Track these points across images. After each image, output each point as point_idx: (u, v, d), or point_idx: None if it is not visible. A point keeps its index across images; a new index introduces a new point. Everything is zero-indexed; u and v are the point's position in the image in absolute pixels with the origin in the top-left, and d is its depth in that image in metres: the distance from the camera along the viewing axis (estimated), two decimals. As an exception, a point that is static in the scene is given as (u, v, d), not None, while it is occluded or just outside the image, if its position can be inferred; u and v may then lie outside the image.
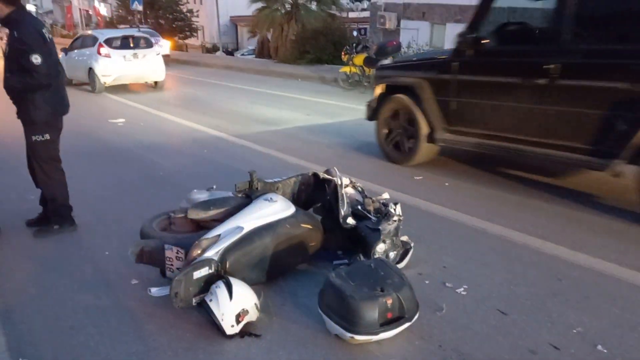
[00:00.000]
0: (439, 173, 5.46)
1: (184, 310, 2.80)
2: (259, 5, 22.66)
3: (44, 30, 3.77)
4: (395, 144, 5.88)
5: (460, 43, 5.05)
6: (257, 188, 3.53)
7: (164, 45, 21.17)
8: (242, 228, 3.01)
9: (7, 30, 3.83)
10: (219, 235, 2.97)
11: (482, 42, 4.86)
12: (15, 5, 3.69)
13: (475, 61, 4.97)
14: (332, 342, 2.60)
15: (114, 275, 3.37)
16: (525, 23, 5.43)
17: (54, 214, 4.07)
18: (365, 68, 11.88)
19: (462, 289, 3.10)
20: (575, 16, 4.20)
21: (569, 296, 3.01)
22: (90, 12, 45.91)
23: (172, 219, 3.45)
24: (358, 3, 27.57)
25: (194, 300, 2.74)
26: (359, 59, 11.98)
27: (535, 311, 2.86)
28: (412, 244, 3.45)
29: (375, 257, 3.14)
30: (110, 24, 35.19)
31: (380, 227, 3.26)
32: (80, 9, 41.80)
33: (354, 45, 13.11)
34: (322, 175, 3.73)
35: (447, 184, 5.13)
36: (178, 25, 34.35)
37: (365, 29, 20.26)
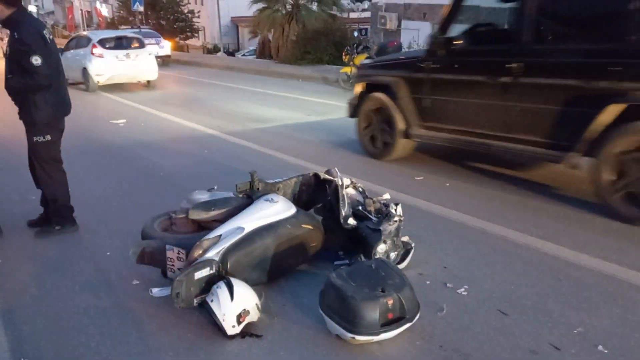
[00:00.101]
0: (439, 173, 5.47)
1: (185, 310, 2.81)
2: (260, 5, 22.66)
3: (44, 31, 3.78)
4: (374, 139, 6.15)
5: (432, 43, 5.34)
6: (258, 189, 3.54)
7: (165, 46, 21.22)
8: (243, 228, 3.01)
9: (7, 31, 3.84)
10: (220, 235, 2.97)
11: (452, 42, 5.14)
12: (16, 6, 3.70)
13: (446, 61, 5.23)
14: (333, 343, 2.60)
15: (115, 275, 3.38)
16: (492, 24, 5.84)
17: (55, 214, 4.08)
18: (366, 68, 11.86)
19: (462, 289, 3.10)
20: (534, 17, 4.47)
21: (570, 296, 3.01)
22: (92, 13, 45.99)
23: (173, 219, 3.46)
24: (359, 3, 27.56)
25: (195, 301, 2.75)
26: (360, 60, 11.99)
27: (536, 311, 2.86)
28: (412, 245, 3.45)
29: (376, 257, 3.14)
30: (112, 24, 35.24)
31: (381, 228, 3.26)
32: (81, 10, 41.87)
33: (355, 45, 13.12)
34: (322, 175, 3.73)
35: (447, 184, 5.14)
36: (179, 26, 34.38)
37: (366, 29, 20.27)
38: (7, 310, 3.00)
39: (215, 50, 33.17)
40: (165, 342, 2.65)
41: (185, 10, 35.06)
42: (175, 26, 33.73)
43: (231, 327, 2.61)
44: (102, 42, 13.08)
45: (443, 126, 5.35)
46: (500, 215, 4.24)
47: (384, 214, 3.42)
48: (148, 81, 13.74)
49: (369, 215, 3.51)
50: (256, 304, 2.73)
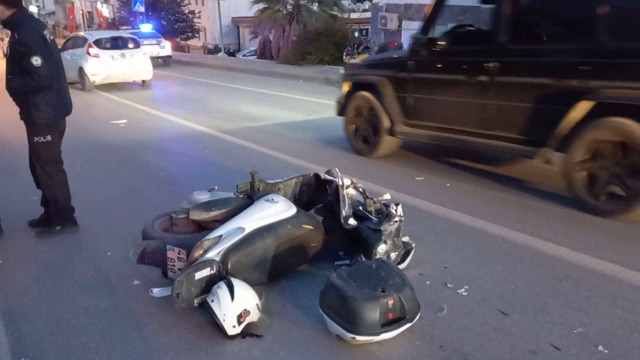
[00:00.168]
0: (440, 174, 5.47)
1: (186, 310, 2.81)
2: (261, 6, 22.69)
3: (45, 32, 3.78)
4: (361, 137, 6.34)
5: (414, 44, 5.58)
6: (258, 189, 3.54)
7: (166, 47, 21.26)
8: (243, 229, 3.01)
9: (9, 32, 3.85)
10: (221, 236, 2.98)
11: (434, 43, 5.37)
12: (16, 7, 3.71)
13: (428, 60, 5.45)
14: (334, 343, 2.60)
15: (115, 276, 3.38)
16: (472, 25, 6.11)
17: (56, 215, 4.08)
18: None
19: (463, 290, 3.10)
20: (509, 19, 4.69)
21: (570, 297, 3.01)
22: (93, 14, 46.01)
23: (174, 219, 3.46)
24: (359, 4, 27.58)
25: (195, 301, 2.75)
26: (361, 60, 11.99)
27: (536, 312, 2.86)
28: (413, 245, 3.45)
29: (376, 257, 3.14)
30: (112, 25, 35.27)
31: (381, 228, 3.26)
32: (82, 11, 41.87)
33: (356, 46, 13.16)
34: (323, 176, 3.74)
35: (448, 184, 5.14)
36: (180, 26, 34.41)
37: (366, 29, 20.25)
38: (8, 310, 3.00)
39: (216, 50, 33.18)
40: (165, 342, 2.65)
41: (186, 11, 35.10)
42: (176, 27, 33.77)
43: (232, 327, 2.61)
44: (98, 43, 13.43)
45: (425, 124, 5.56)
46: (501, 216, 4.24)
47: (384, 214, 3.42)
48: (143, 80, 14.05)
49: (370, 216, 3.51)
50: (257, 304, 2.73)
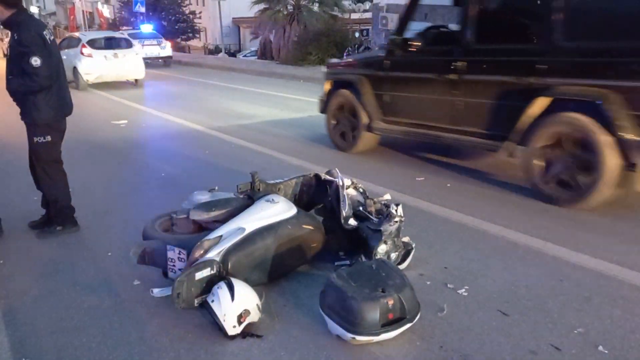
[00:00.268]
0: (440, 174, 5.47)
1: (186, 311, 2.81)
2: (262, 6, 22.73)
3: (45, 32, 3.77)
4: (342, 133, 6.61)
5: (390, 44, 5.87)
6: (258, 189, 3.54)
7: (167, 47, 21.29)
8: (244, 229, 3.02)
9: (9, 32, 3.85)
10: (221, 236, 2.98)
11: (408, 43, 5.70)
12: (16, 7, 3.71)
13: (402, 60, 5.77)
14: (334, 343, 2.60)
15: (116, 276, 3.39)
16: (443, 26, 6.40)
17: (57, 215, 4.09)
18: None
19: (463, 290, 3.10)
20: (475, 20, 4.99)
21: (571, 297, 3.01)
22: (94, 14, 46.04)
23: (174, 220, 3.46)
24: (360, 4, 27.61)
25: (195, 301, 2.75)
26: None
27: (537, 312, 2.86)
28: (413, 245, 3.45)
29: (376, 258, 3.14)
30: (113, 25, 35.30)
31: (381, 228, 3.26)
32: (83, 11, 41.85)
33: (356, 46, 13.15)
34: (323, 176, 3.74)
35: (448, 184, 5.14)
36: (180, 26, 34.43)
37: (367, 30, 20.28)
38: (8, 310, 3.01)
39: (216, 51, 33.25)
40: (166, 342, 2.66)
41: (187, 11, 35.11)
42: (176, 27, 33.79)
43: (232, 327, 2.62)
44: (92, 43, 13.88)
45: (401, 120, 5.86)
46: (501, 216, 4.24)
47: (384, 215, 3.42)
48: (136, 79, 14.41)
49: (370, 216, 3.51)
50: (257, 305, 2.73)
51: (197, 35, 37.33)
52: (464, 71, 5.04)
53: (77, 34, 16.04)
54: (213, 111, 10.03)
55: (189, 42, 35.92)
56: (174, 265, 2.99)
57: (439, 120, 5.41)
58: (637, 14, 4.00)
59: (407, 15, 5.83)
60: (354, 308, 2.50)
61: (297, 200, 3.72)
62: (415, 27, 5.95)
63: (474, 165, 5.68)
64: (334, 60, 8.37)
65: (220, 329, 2.64)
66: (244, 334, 2.66)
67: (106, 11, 42.81)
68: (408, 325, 2.59)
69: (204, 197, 3.53)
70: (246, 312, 2.65)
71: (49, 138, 3.92)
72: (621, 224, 4.06)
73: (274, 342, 2.64)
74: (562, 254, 3.56)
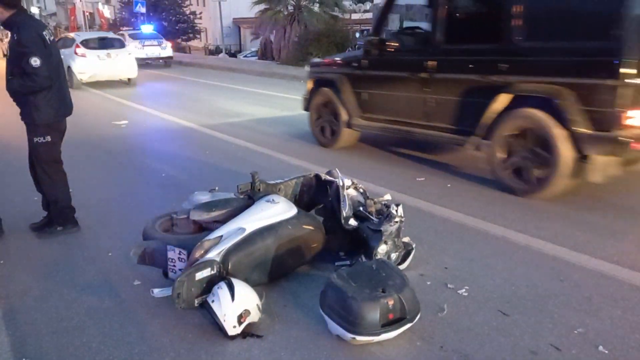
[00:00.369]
0: (441, 174, 5.47)
1: (186, 311, 2.81)
2: (262, 7, 22.72)
3: (44, 33, 3.78)
4: (324, 130, 6.87)
5: (367, 44, 6.13)
6: (259, 189, 3.55)
7: (167, 47, 21.31)
8: (244, 229, 3.02)
9: (9, 32, 3.86)
10: (221, 236, 2.98)
11: (383, 43, 5.95)
12: (16, 8, 3.72)
13: (378, 59, 6.02)
14: (334, 343, 2.60)
15: (116, 276, 3.39)
16: (417, 27, 6.71)
17: (57, 215, 4.09)
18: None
19: (463, 290, 3.10)
20: (444, 21, 5.26)
21: (571, 297, 3.01)
22: (94, 15, 46.05)
23: (175, 220, 3.47)
24: (360, 4, 27.61)
25: (196, 301, 2.75)
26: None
27: (537, 312, 2.86)
28: (413, 245, 3.45)
29: (376, 258, 3.14)
30: (114, 26, 35.32)
31: (382, 229, 3.26)
32: (83, 11, 41.87)
33: (357, 46, 13.11)
34: (323, 176, 3.74)
35: (449, 185, 5.14)
36: (181, 27, 34.44)
37: (367, 30, 20.27)
38: (9, 310, 3.01)
39: (217, 51, 33.27)
40: (166, 342, 2.66)
41: (187, 12, 35.11)
42: (177, 27, 33.80)
43: (232, 327, 2.62)
44: (85, 43, 14.21)
45: (377, 117, 6.12)
46: (501, 216, 4.24)
47: (385, 215, 3.42)
48: (129, 79, 14.65)
49: (370, 216, 3.51)
50: (257, 305, 2.73)
51: (198, 36, 37.35)
52: (434, 70, 5.31)
53: (71, 34, 16.32)
54: (213, 111, 10.04)
55: (189, 43, 35.93)
56: (174, 266, 2.99)
57: (412, 117, 5.69)
58: (587, 16, 4.26)
59: (382, 17, 6.18)
60: (354, 308, 2.50)
61: (297, 201, 3.72)
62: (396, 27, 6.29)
63: (474, 166, 5.68)
64: (316, 59, 8.49)
65: (221, 329, 2.64)
66: (244, 334, 2.66)
67: (107, 12, 42.82)
68: (408, 326, 2.59)
69: (204, 197, 3.53)
70: (246, 312, 2.65)
71: (48, 138, 3.92)
72: (621, 224, 4.06)
73: (274, 342, 2.64)
74: (562, 254, 3.56)
